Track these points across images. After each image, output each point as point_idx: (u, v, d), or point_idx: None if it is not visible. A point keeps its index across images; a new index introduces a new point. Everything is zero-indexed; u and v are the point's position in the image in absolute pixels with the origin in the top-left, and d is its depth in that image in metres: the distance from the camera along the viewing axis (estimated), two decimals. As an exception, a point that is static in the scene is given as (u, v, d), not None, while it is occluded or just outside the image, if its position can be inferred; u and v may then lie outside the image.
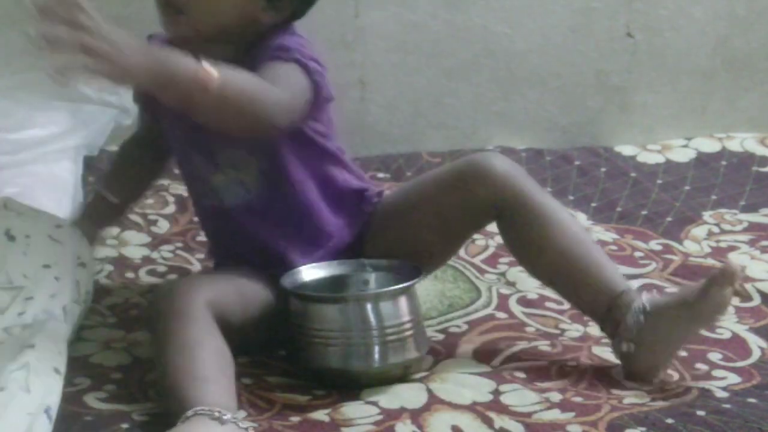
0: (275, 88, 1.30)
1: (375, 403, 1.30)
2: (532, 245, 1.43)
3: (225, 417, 1.17)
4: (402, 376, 1.36)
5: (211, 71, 1.20)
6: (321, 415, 1.28)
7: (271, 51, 1.37)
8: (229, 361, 1.27)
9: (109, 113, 2.01)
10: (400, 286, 1.36)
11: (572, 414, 1.28)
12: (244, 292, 1.39)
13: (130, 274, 1.67)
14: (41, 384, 1.15)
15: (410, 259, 1.43)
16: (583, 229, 1.50)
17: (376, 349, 1.34)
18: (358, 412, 1.28)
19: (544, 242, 1.42)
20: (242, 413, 1.26)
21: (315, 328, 1.35)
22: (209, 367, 1.23)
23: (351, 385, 1.34)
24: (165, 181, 2.00)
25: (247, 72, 1.28)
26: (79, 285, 1.32)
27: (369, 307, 1.34)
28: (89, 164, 1.97)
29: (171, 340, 1.27)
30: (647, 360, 1.37)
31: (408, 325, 1.36)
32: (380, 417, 1.27)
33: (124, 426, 1.24)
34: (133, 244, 1.78)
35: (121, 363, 1.39)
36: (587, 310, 1.45)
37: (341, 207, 1.49)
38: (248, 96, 1.26)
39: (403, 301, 1.36)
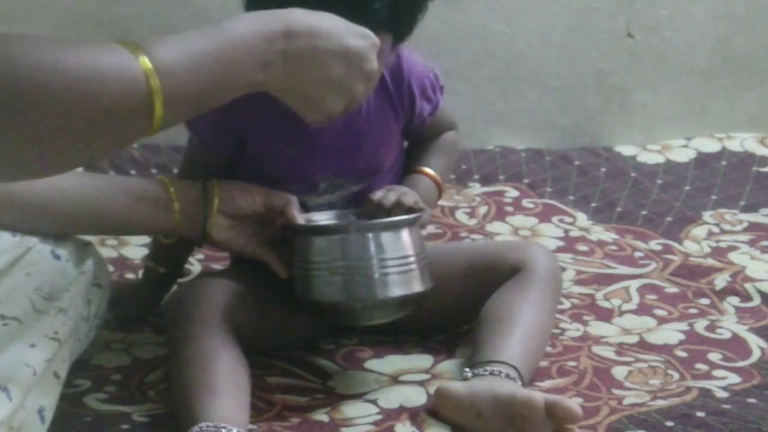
0: None
1: (374, 402, 1.30)
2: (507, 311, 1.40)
3: None
4: (404, 310, 1.34)
5: None
6: (321, 415, 1.28)
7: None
8: (244, 371, 1.26)
9: (109, 113, 2.00)
10: (402, 218, 1.34)
11: (571, 417, 1.29)
12: (263, 297, 1.39)
13: (130, 275, 1.67)
14: (39, 384, 1.14)
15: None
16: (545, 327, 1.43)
17: (378, 280, 1.31)
18: (358, 411, 1.28)
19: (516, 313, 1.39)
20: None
21: (317, 261, 1.32)
22: (222, 379, 1.23)
23: (353, 321, 1.33)
24: (165, 182, 2.00)
25: None
26: (90, 304, 1.32)
27: (371, 237, 1.32)
28: (89, 164, 1.97)
29: (186, 349, 1.27)
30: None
31: (411, 259, 1.33)
32: (380, 417, 1.27)
33: (125, 427, 1.24)
34: (133, 245, 1.78)
35: (121, 364, 1.39)
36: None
37: None
38: None
39: (405, 235, 1.33)
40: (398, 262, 1.32)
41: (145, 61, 0.96)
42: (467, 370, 1.31)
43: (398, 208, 1.38)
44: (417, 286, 1.34)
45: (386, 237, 1.32)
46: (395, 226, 1.33)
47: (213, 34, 1.04)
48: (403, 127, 1.49)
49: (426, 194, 1.47)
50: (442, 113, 1.52)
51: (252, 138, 1.42)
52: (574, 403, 1.22)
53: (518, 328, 1.36)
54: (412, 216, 1.35)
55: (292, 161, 1.42)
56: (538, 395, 1.23)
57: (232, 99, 1.07)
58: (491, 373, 1.29)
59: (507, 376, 1.28)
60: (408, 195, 1.39)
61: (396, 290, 1.32)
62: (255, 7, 1.17)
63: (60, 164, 0.99)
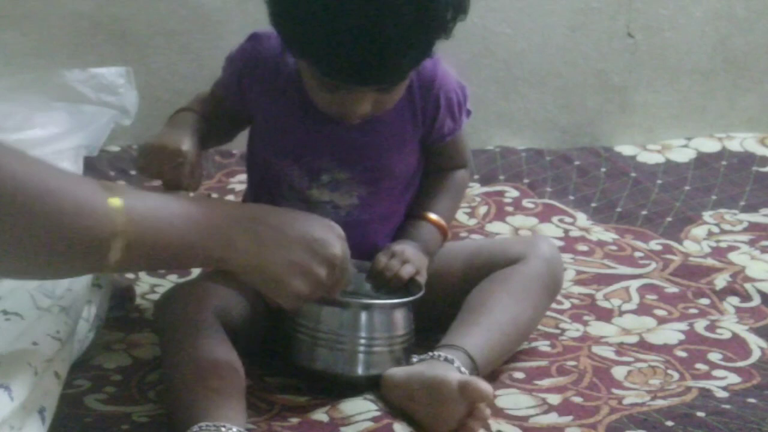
0: None
1: (373, 401, 1.30)
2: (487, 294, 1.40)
3: None
4: (375, 388, 1.34)
5: None
6: (320, 414, 1.28)
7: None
8: (238, 371, 1.26)
9: (108, 114, 2.00)
10: (398, 301, 1.35)
11: (570, 417, 1.29)
12: (254, 298, 1.38)
13: (129, 275, 1.66)
14: (40, 384, 1.15)
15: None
16: (525, 322, 1.42)
17: (361, 356, 1.33)
18: (356, 408, 1.28)
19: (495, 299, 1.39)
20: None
21: (303, 324, 1.33)
22: (218, 379, 1.22)
23: (321, 383, 1.33)
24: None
25: None
26: (91, 305, 1.32)
27: (363, 314, 1.33)
28: (89, 164, 1.97)
29: (180, 350, 1.26)
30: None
31: (397, 340, 1.35)
32: (378, 413, 1.27)
33: (125, 427, 1.24)
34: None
35: (121, 365, 1.39)
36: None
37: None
38: None
39: (397, 315, 1.35)
40: (384, 342, 1.33)
41: (115, 201, 0.99)
42: (414, 356, 1.33)
43: (398, 280, 1.39)
44: (396, 366, 1.34)
45: (377, 316, 1.34)
46: (389, 307, 1.35)
47: (186, 205, 1.07)
48: (420, 139, 1.44)
49: (430, 243, 1.45)
50: (461, 140, 1.48)
51: (257, 112, 1.43)
52: (485, 383, 1.23)
53: (485, 317, 1.36)
54: (407, 299, 1.36)
55: (293, 141, 1.40)
56: (453, 375, 1.25)
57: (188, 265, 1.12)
58: (432, 357, 1.30)
59: (446, 359, 1.29)
60: (408, 267, 1.39)
61: (375, 369, 1.33)
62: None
63: (11, 272, 1.02)
